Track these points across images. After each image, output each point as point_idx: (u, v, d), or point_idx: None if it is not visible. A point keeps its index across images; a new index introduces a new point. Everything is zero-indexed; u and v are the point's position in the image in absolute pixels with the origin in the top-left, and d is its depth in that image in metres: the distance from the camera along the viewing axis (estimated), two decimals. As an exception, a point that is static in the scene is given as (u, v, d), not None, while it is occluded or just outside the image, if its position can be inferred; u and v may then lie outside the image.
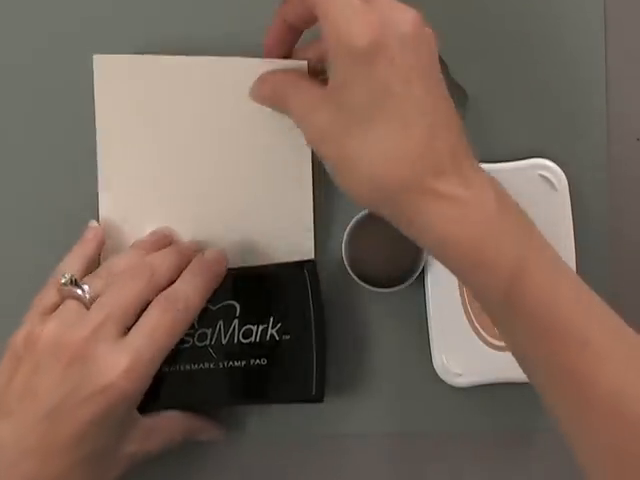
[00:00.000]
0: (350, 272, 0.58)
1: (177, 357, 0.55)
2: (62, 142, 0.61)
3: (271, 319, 0.56)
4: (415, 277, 0.59)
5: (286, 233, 0.58)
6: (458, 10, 0.62)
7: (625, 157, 0.63)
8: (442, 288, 0.60)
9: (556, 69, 0.62)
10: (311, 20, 0.49)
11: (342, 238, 0.58)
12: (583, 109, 0.62)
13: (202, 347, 0.55)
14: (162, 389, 0.54)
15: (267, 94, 0.53)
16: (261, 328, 0.56)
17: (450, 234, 0.44)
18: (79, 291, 0.52)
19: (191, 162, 0.57)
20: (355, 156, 0.45)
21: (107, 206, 0.58)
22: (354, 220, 0.58)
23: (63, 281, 0.52)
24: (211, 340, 0.56)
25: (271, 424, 0.61)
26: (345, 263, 0.58)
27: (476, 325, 0.60)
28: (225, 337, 0.56)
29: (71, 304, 0.52)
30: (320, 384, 0.56)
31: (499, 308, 0.46)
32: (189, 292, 0.53)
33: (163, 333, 0.51)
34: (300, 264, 0.57)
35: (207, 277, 0.54)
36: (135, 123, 0.56)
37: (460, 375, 0.60)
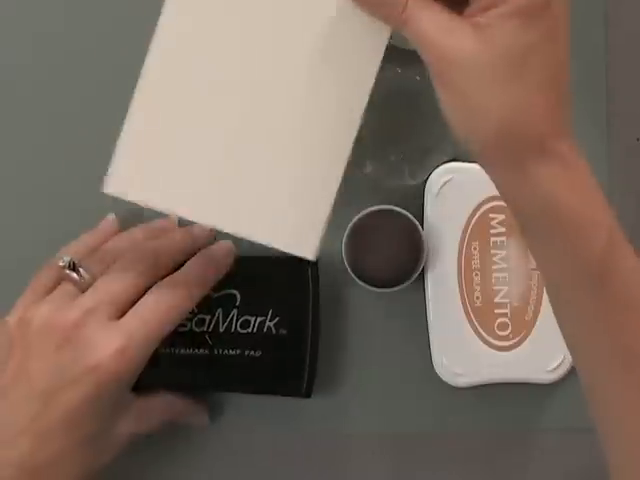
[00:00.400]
0: (350, 272, 0.58)
1: (173, 340, 0.55)
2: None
3: (270, 312, 0.56)
4: (415, 277, 0.59)
5: (294, 215, 0.50)
6: (458, 10, 0.61)
7: (625, 157, 0.63)
8: (442, 288, 0.60)
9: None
10: None
11: (342, 238, 0.58)
12: (583, 109, 0.62)
13: (199, 333, 0.56)
14: (155, 370, 0.55)
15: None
16: (259, 320, 0.56)
17: (560, 195, 0.44)
18: (75, 275, 0.52)
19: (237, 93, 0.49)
20: (492, 94, 0.44)
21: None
22: (354, 220, 0.58)
23: (61, 264, 0.52)
24: (209, 327, 0.56)
25: (269, 423, 0.62)
26: (345, 263, 0.58)
27: (476, 325, 0.60)
28: (223, 325, 0.56)
29: (66, 287, 0.52)
30: (310, 381, 0.57)
31: (589, 278, 0.46)
32: (191, 281, 0.53)
33: (159, 319, 0.51)
34: (304, 262, 0.57)
35: (212, 269, 0.54)
36: (197, 32, 0.48)
37: (460, 375, 0.60)
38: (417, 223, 0.59)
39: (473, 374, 0.60)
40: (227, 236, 0.49)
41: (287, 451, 0.62)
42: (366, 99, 0.48)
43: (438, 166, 0.60)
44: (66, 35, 0.62)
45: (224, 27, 0.48)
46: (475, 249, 0.61)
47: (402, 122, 0.60)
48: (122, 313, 0.51)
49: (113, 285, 0.51)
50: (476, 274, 0.61)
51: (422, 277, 0.60)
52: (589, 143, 0.61)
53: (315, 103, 0.48)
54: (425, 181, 0.61)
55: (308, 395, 0.58)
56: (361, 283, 0.58)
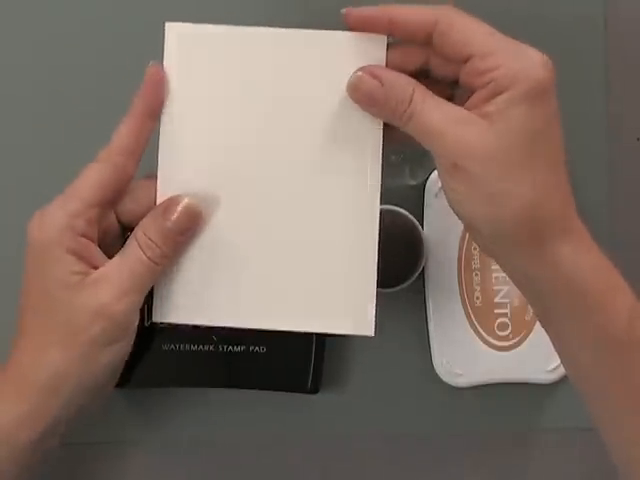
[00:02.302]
0: (350, 272, 0.58)
1: (177, 337, 0.56)
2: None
3: None
4: (415, 277, 0.59)
5: (344, 298, 0.49)
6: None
7: (625, 157, 0.63)
8: (442, 288, 0.60)
9: (556, 69, 0.62)
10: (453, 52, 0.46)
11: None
12: (583, 109, 0.62)
13: (203, 329, 0.56)
14: (160, 367, 0.56)
15: (383, 95, 0.46)
16: None
17: (583, 271, 0.45)
18: None
19: (259, 150, 0.50)
20: (511, 179, 0.44)
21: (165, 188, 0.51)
22: (354, 220, 0.58)
23: None
24: None
25: (268, 422, 0.62)
26: (345, 263, 0.58)
27: (476, 325, 0.60)
28: None
29: None
30: (316, 377, 0.58)
31: (613, 354, 0.46)
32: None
33: None
34: None
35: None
36: (204, 101, 0.50)
37: (460, 375, 0.60)
38: (417, 223, 0.59)
39: (473, 374, 0.60)
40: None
41: (288, 450, 0.62)
42: (380, 156, 0.48)
43: (438, 166, 0.60)
44: (67, 37, 0.62)
45: (229, 117, 0.49)
46: (475, 249, 0.61)
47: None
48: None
49: None
50: (476, 274, 0.61)
51: (422, 277, 0.60)
52: (589, 143, 0.62)
53: (331, 178, 0.49)
54: (425, 181, 0.61)
55: (314, 391, 0.58)
56: (361, 283, 0.58)
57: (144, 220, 0.49)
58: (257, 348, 0.57)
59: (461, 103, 0.45)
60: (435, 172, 0.61)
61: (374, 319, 0.49)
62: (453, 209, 0.46)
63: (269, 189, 0.49)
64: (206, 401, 0.61)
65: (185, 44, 0.49)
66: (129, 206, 0.50)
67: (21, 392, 0.48)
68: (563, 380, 0.60)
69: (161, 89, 0.49)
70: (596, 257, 0.46)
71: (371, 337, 0.59)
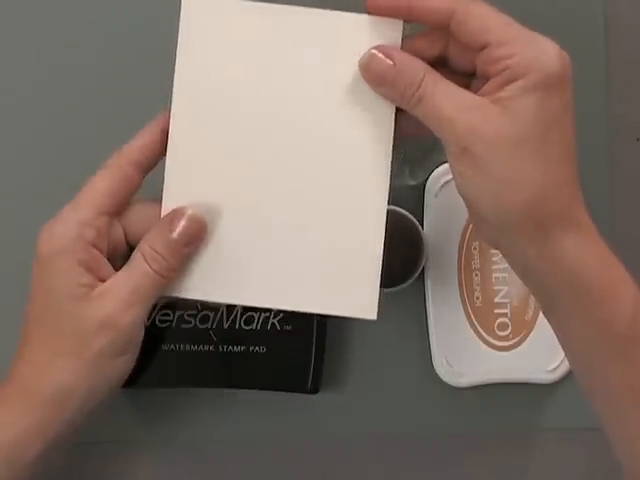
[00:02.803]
0: (350, 272, 0.58)
1: (178, 337, 0.56)
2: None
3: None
4: (415, 277, 0.59)
5: (348, 280, 0.49)
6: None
7: (625, 157, 0.63)
8: (442, 288, 0.60)
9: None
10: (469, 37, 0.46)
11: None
12: (583, 109, 0.62)
13: (203, 329, 0.56)
14: (160, 367, 0.56)
15: (393, 76, 0.46)
16: (263, 316, 0.57)
17: (587, 263, 0.45)
18: None
19: (269, 132, 0.50)
20: (521, 167, 0.44)
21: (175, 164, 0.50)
22: (354, 220, 0.58)
23: None
24: (212, 323, 0.57)
25: (268, 423, 0.62)
26: (345, 263, 0.58)
27: (476, 325, 0.60)
28: (227, 322, 0.57)
29: None
30: (316, 377, 0.58)
31: (618, 344, 0.46)
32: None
33: None
34: None
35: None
36: (219, 80, 0.49)
37: (460, 375, 0.60)
38: (417, 223, 0.59)
39: (473, 374, 0.60)
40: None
41: (288, 450, 0.62)
42: (391, 142, 0.49)
43: (438, 166, 0.60)
44: (67, 38, 0.62)
45: (238, 105, 0.49)
46: (475, 249, 0.61)
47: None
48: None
49: None
50: (476, 274, 0.61)
51: (422, 277, 0.60)
52: (589, 143, 0.62)
53: (340, 161, 0.49)
54: (425, 181, 0.61)
55: (314, 391, 0.58)
56: (361, 283, 0.58)
57: (149, 233, 0.48)
58: (257, 348, 0.57)
59: (476, 93, 0.45)
60: (435, 172, 0.61)
61: (377, 303, 0.49)
62: (461, 195, 0.46)
63: (280, 173, 0.49)
64: (206, 401, 0.61)
65: (201, 16, 0.48)
66: (136, 225, 0.50)
67: (25, 406, 0.48)
68: (563, 380, 0.60)
69: None
70: (601, 251, 0.46)
71: (371, 336, 0.59)
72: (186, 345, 0.57)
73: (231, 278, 0.49)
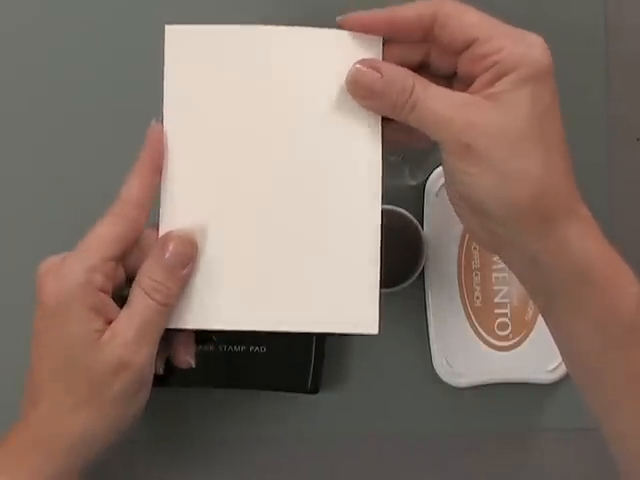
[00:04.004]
0: (350, 272, 0.58)
1: None
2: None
3: None
4: (415, 277, 0.59)
5: (347, 297, 0.49)
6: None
7: (625, 157, 0.63)
8: (442, 288, 0.60)
9: (556, 69, 0.62)
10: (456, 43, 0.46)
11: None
12: (583, 109, 0.62)
13: (203, 329, 0.56)
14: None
15: (383, 87, 0.46)
16: None
17: (591, 252, 0.45)
18: None
19: (261, 151, 0.50)
20: (522, 159, 0.44)
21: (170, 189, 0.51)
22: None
23: None
24: None
25: (268, 423, 0.62)
26: (345, 263, 0.58)
27: (476, 325, 0.60)
28: None
29: None
30: (316, 377, 0.58)
31: (626, 332, 0.46)
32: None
33: None
34: None
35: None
36: (207, 104, 0.50)
37: (460, 375, 0.60)
38: (417, 223, 0.59)
39: (473, 374, 0.60)
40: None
41: (288, 450, 0.62)
42: (379, 155, 0.48)
43: (438, 166, 0.60)
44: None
45: (227, 123, 0.49)
46: (475, 249, 0.61)
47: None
48: None
49: None
50: (476, 274, 0.61)
51: (422, 277, 0.60)
52: (589, 143, 0.62)
53: (331, 179, 0.49)
54: (425, 181, 0.61)
55: (314, 391, 0.58)
56: (361, 283, 0.58)
57: (145, 264, 0.49)
58: (257, 348, 0.57)
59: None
60: (435, 172, 0.61)
61: (378, 317, 0.48)
62: (463, 194, 0.46)
63: (271, 193, 0.49)
64: (206, 401, 0.61)
65: (185, 46, 0.49)
66: (137, 255, 0.50)
67: (48, 456, 0.48)
68: (563, 380, 0.60)
69: (163, 146, 0.49)
70: (603, 242, 0.46)
71: (373, 336, 0.59)
72: None
73: (230, 304, 0.49)
